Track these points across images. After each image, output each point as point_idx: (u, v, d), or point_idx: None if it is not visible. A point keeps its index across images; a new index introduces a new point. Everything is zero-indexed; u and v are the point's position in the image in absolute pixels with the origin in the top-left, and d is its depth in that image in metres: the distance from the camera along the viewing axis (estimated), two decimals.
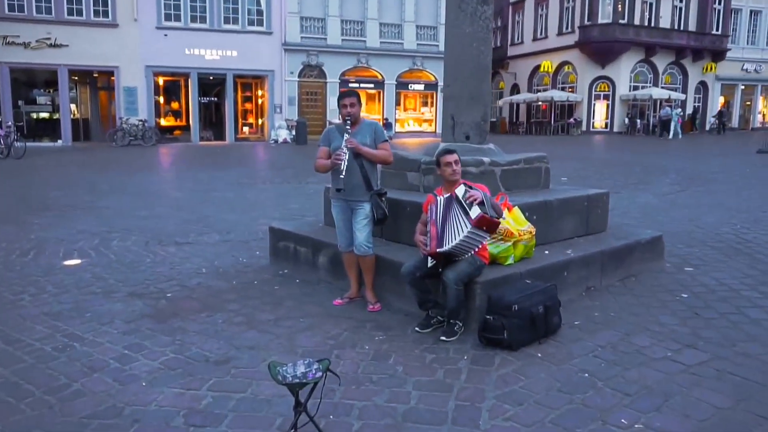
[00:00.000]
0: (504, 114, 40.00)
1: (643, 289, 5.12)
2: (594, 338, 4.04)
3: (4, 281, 5.50)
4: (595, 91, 34.68)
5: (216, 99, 29.67)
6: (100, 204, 9.97)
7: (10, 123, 21.22)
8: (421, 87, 32.02)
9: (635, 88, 34.54)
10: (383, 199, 4.63)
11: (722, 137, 31.77)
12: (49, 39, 24.50)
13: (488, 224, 3.89)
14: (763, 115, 41.35)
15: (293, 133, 26.99)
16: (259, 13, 27.89)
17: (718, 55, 36.23)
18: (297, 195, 11.02)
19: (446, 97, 5.84)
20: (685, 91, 35.87)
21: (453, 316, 4.07)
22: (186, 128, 28.49)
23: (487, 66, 5.65)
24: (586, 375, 3.50)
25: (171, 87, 29.21)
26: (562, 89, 35.74)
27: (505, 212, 4.50)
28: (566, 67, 35.71)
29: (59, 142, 25.62)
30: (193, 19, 26.82)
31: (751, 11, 38.18)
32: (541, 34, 37.42)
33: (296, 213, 8.91)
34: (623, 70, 33.92)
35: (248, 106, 30.47)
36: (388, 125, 28.45)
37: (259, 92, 29.85)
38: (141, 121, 25.50)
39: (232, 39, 27.24)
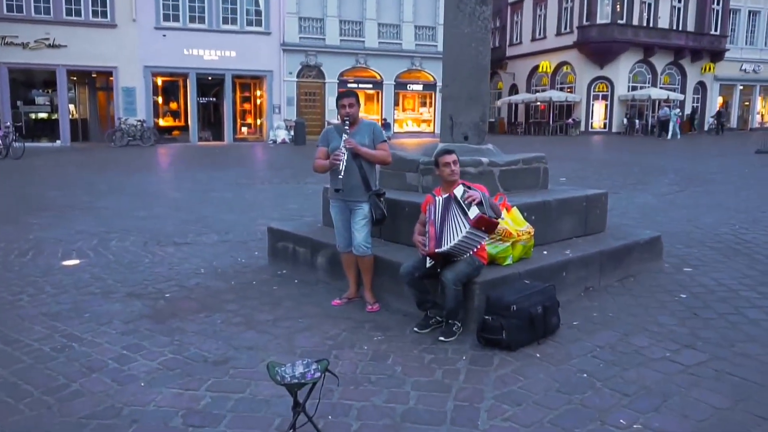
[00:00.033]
0: (502, 114, 40.00)
1: (641, 289, 5.12)
2: (593, 339, 4.04)
3: (3, 281, 5.49)
4: (594, 91, 34.70)
5: (214, 99, 29.65)
6: (98, 204, 9.96)
7: (8, 123, 21.19)
8: (419, 87, 32.04)
9: (634, 88, 34.57)
10: (382, 199, 4.63)
11: (721, 137, 31.81)
12: (47, 39, 24.48)
13: (487, 224, 3.89)
14: (762, 115, 41.41)
15: (292, 133, 26.97)
16: (258, 13, 27.89)
17: (717, 56, 36.28)
18: (295, 195, 11.02)
19: (445, 98, 5.84)
20: (683, 91, 35.91)
21: (451, 316, 4.07)
22: (184, 128, 28.46)
23: (485, 66, 5.65)
24: (585, 375, 3.50)
25: (169, 87, 29.18)
26: (561, 89, 35.75)
27: (504, 212, 4.51)
28: (565, 67, 35.72)
29: (58, 142, 25.60)
30: (192, 20, 26.81)
31: (749, 11, 38.23)
32: (539, 34, 37.42)
33: (295, 213, 8.91)
34: (622, 71, 33.95)
35: (247, 106, 30.46)
36: (386, 125, 28.44)
37: (258, 92, 29.84)
38: (139, 121, 25.49)
39: (230, 39, 27.23)
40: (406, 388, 3.35)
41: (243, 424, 2.98)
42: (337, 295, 4.94)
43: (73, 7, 24.97)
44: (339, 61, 29.39)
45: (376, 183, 4.82)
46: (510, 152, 5.96)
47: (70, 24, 24.81)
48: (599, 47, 33.06)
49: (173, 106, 29.81)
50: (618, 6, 33.07)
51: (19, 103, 25.72)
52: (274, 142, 27.19)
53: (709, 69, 36.54)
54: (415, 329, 4.20)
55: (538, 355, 3.79)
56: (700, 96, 37.45)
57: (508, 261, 4.53)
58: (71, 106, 27.12)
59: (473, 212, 3.84)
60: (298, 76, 28.90)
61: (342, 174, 4.45)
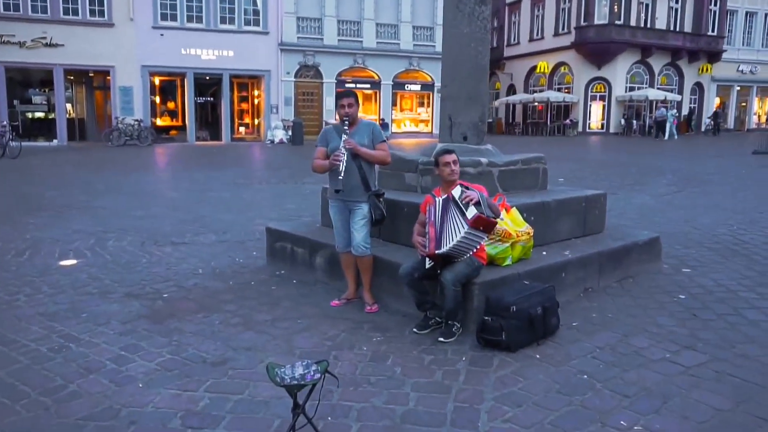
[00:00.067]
0: (500, 115, 40.06)
1: (640, 290, 5.12)
2: (592, 339, 4.04)
3: (0, 281, 5.48)
4: (591, 92, 34.76)
5: (212, 99, 29.60)
6: (95, 204, 9.92)
7: (5, 122, 21.11)
8: (417, 87, 32.05)
9: (631, 89, 34.65)
10: (381, 199, 4.62)
11: (717, 138, 31.89)
12: (44, 38, 24.41)
13: (485, 224, 3.88)
14: (759, 116, 41.51)
15: (289, 133, 26.96)
16: (256, 13, 27.86)
17: (714, 57, 36.36)
18: (293, 195, 11.00)
19: (444, 98, 5.83)
20: (680, 92, 35.99)
21: (451, 317, 4.05)
22: (182, 128, 28.42)
23: (484, 66, 5.65)
24: (585, 376, 3.49)
25: (167, 87, 29.13)
26: (559, 90, 35.81)
27: (504, 213, 4.50)
28: (562, 67, 35.78)
29: (55, 141, 25.53)
30: (190, 19, 26.77)
31: (746, 13, 38.35)
32: (537, 34, 37.47)
33: (293, 213, 8.89)
34: (619, 71, 34.02)
35: (244, 106, 30.42)
36: (384, 126, 28.43)
37: (256, 92, 29.81)
38: (137, 120, 25.42)
39: (228, 39, 27.20)
40: (405, 389, 3.34)
41: (242, 426, 2.96)
42: (335, 296, 4.92)
43: (70, 6, 24.91)
44: (337, 61, 29.38)
45: (376, 183, 4.81)
46: (508, 153, 5.95)
47: (67, 23, 24.74)
48: (597, 48, 33.11)
49: (171, 105, 29.77)
50: (615, 7, 33.12)
51: (15, 102, 25.64)
52: (272, 142, 27.16)
53: (707, 70, 36.63)
54: (415, 330, 4.18)
55: (537, 356, 3.78)
56: (697, 97, 37.54)
57: (508, 262, 4.52)
58: (68, 106, 27.07)
59: (471, 212, 3.83)
60: (295, 76, 28.88)
61: (342, 174, 4.43)
